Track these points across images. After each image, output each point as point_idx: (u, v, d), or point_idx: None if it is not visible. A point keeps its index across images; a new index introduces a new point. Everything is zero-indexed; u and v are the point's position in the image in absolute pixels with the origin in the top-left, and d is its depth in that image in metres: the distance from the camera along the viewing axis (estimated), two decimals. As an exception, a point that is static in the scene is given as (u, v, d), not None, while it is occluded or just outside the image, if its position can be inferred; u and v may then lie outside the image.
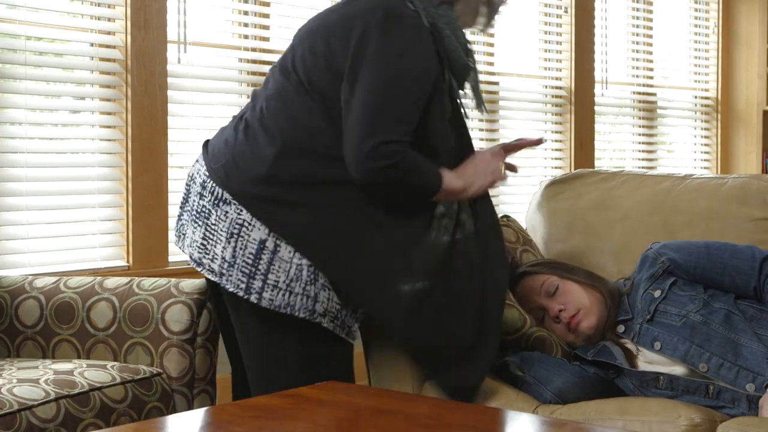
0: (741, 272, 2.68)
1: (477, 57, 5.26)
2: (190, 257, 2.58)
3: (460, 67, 2.62)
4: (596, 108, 5.89)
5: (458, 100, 2.64)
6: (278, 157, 2.44)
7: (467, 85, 2.68)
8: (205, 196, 2.51)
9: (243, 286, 2.45)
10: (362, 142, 2.37)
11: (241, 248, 2.44)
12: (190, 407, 2.85)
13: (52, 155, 3.78)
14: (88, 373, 2.67)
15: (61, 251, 3.75)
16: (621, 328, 2.77)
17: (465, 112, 2.69)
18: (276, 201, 2.44)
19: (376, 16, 2.44)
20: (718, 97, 6.78)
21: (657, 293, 2.73)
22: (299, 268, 2.45)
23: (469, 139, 2.72)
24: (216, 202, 2.48)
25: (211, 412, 2.17)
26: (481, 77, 5.22)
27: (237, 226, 2.45)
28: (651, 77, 6.36)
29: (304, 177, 2.45)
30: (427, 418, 2.11)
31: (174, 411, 2.80)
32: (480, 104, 2.76)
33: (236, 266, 2.45)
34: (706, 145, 6.77)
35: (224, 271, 2.47)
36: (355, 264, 2.48)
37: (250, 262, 2.44)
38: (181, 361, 2.85)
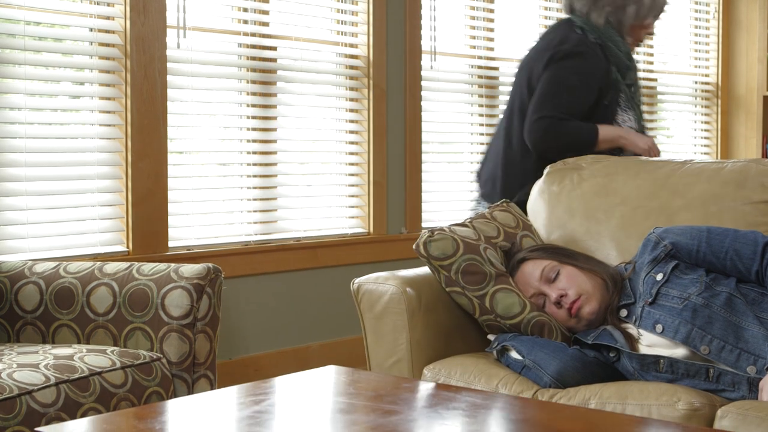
0: (743, 256, 2.69)
1: (476, 42, 5.27)
2: None
3: (623, 67, 3.83)
4: (596, 93, 5.88)
5: (621, 91, 3.83)
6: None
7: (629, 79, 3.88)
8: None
9: None
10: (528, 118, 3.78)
11: None
12: (190, 392, 2.86)
13: (52, 140, 3.78)
14: (88, 358, 2.68)
15: (60, 236, 3.76)
16: (624, 312, 2.77)
17: (627, 98, 3.86)
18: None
19: (554, 54, 3.79)
20: (718, 82, 6.77)
21: (659, 276, 2.73)
22: None
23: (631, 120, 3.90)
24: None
25: (212, 397, 2.17)
26: (481, 62, 5.26)
27: None
28: (651, 62, 6.35)
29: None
30: (426, 402, 2.11)
31: (174, 396, 2.80)
32: (636, 92, 3.96)
33: None
34: (706, 130, 6.76)
35: None
36: None
37: None
38: (180, 346, 2.85)
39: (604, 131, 3.74)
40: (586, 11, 3.89)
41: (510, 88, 5.41)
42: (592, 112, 3.78)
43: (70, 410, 2.49)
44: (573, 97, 3.74)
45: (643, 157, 3.48)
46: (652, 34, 4.08)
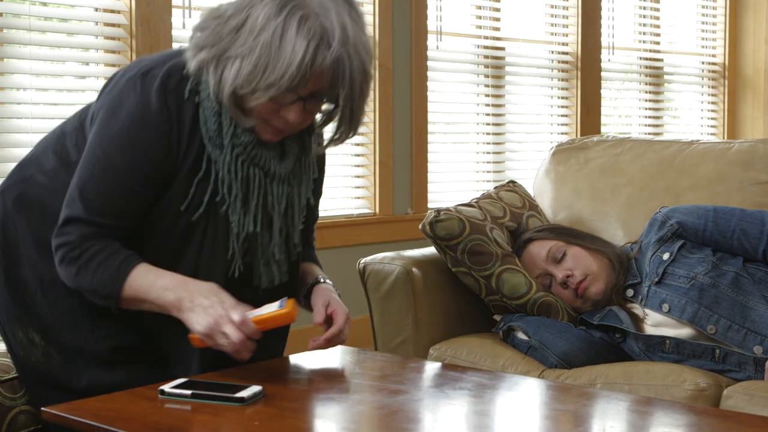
0: (750, 236, 2.68)
1: (482, 22, 5.25)
2: None
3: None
4: (603, 74, 5.87)
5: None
6: None
7: None
8: None
9: None
10: None
11: None
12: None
13: (58, 121, 3.75)
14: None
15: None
16: (630, 292, 2.77)
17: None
18: None
19: None
20: (725, 62, 6.74)
21: (665, 256, 2.73)
22: None
23: None
24: None
25: (221, 377, 2.17)
26: (487, 42, 5.23)
27: None
28: (658, 42, 6.33)
29: None
30: (433, 382, 2.11)
31: (180, 376, 2.79)
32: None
33: None
34: (713, 111, 6.74)
35: None
36: None
37: None
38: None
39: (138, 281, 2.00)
40: None
41: (516, 68, 5.41)
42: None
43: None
44: None
45: (649, 137, 3.42)
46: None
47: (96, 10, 3.80)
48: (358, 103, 2.00)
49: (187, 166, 2.01)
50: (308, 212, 2.25)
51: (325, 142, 2.13)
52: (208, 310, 1.94)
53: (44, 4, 3.70)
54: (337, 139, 2.08)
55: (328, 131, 2.10)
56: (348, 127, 2.04)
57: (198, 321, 1.94)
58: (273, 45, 1.90)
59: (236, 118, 1.99)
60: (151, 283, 1.98)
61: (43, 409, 1.83)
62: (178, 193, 2.01)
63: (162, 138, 1.98)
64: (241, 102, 1.96)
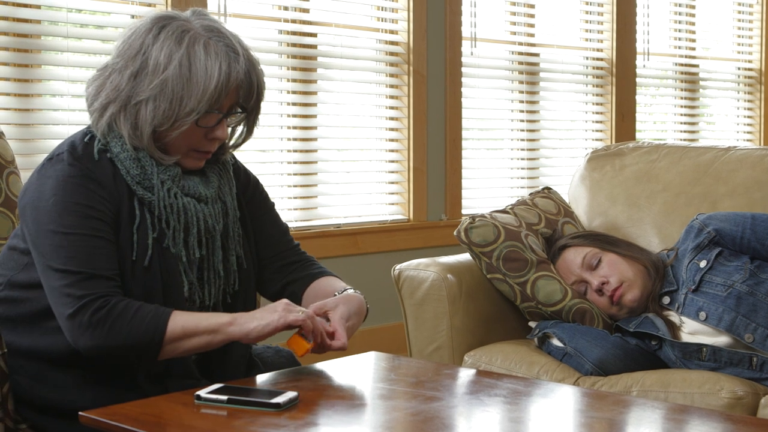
0: (787, 244, 2.66)
1: (517, 28, 5.25)
2: None
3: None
4: (638, 80, 5.85)
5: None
6: None
7: None
8: None
9: None
10: None
11: None
12: (231, 377, 2.86)
13: (94, 127, 3.79)
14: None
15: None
16: (666, 300, 2.75)
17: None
18: None
19: None
20: (761, 68, 6.69)
21: (703, 263, 2.71)
22: None
23: None
24: None
25: (253, 382, 2.18)
26: (522, 49, 5.23)
27: None
28: (693, 48, 6.30)
29: None
30: (468, 388, 2.11)
31: (215, 381, 2.80)
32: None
33: None
34: (749, 117, 6.69)
35: None
36: None
37: None
38: None
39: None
40: None
41: (551, 74, 5.40)
42: None
43: None
44: None
45: (684, 143, 3.41)
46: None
47: (132, 17, 3.82)
48: (260, 105, 2.15)
49: (123, 218, 2.05)
50: (279, 236, 2.32)
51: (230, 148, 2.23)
52: (263, 311, 2.00)
53: (80, 11, 3.72)
54: (241, 142, 2.22)
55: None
56: (252, 129, 2.19)
57: (261, 318, 1.98)
58: (183, 75, 2.00)
59: (158, 158, 2.06)
60: (198, 315, 2.01)
61: (80, 413, 1.84)
62: (125, 245, 2.04)
63: (91, 193, 2.01)
64: (161, 138, 2.05)
